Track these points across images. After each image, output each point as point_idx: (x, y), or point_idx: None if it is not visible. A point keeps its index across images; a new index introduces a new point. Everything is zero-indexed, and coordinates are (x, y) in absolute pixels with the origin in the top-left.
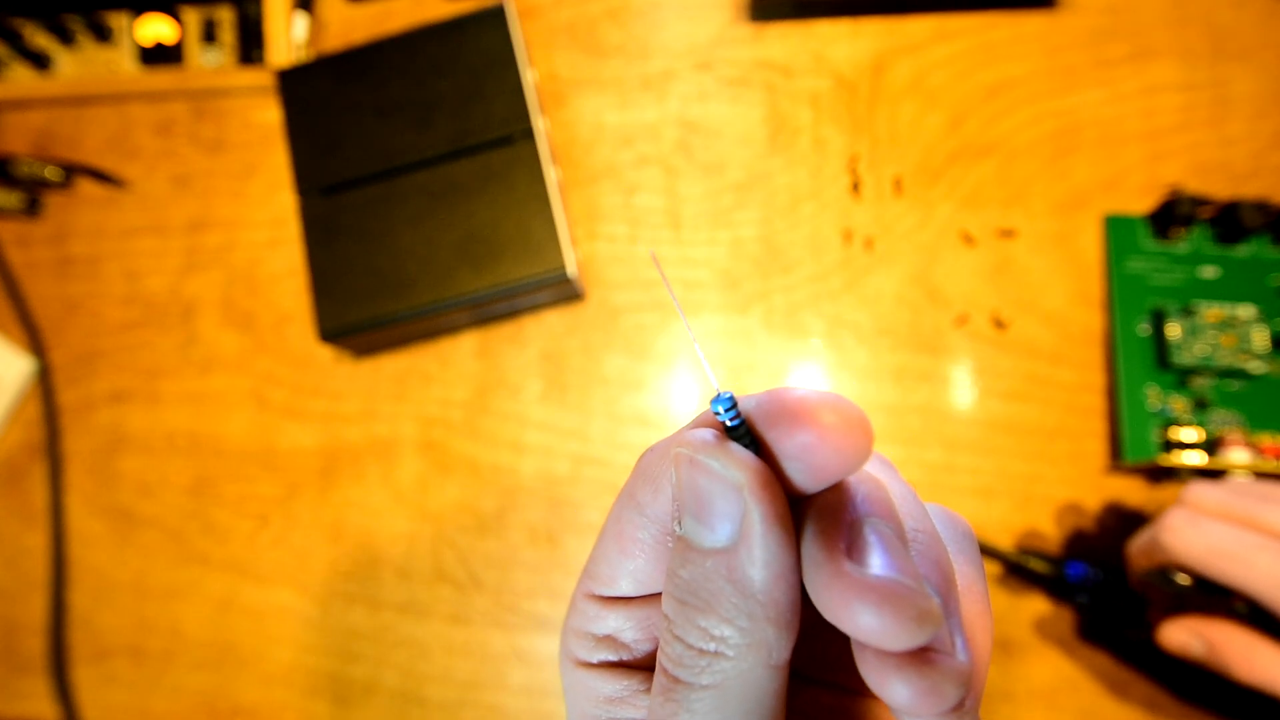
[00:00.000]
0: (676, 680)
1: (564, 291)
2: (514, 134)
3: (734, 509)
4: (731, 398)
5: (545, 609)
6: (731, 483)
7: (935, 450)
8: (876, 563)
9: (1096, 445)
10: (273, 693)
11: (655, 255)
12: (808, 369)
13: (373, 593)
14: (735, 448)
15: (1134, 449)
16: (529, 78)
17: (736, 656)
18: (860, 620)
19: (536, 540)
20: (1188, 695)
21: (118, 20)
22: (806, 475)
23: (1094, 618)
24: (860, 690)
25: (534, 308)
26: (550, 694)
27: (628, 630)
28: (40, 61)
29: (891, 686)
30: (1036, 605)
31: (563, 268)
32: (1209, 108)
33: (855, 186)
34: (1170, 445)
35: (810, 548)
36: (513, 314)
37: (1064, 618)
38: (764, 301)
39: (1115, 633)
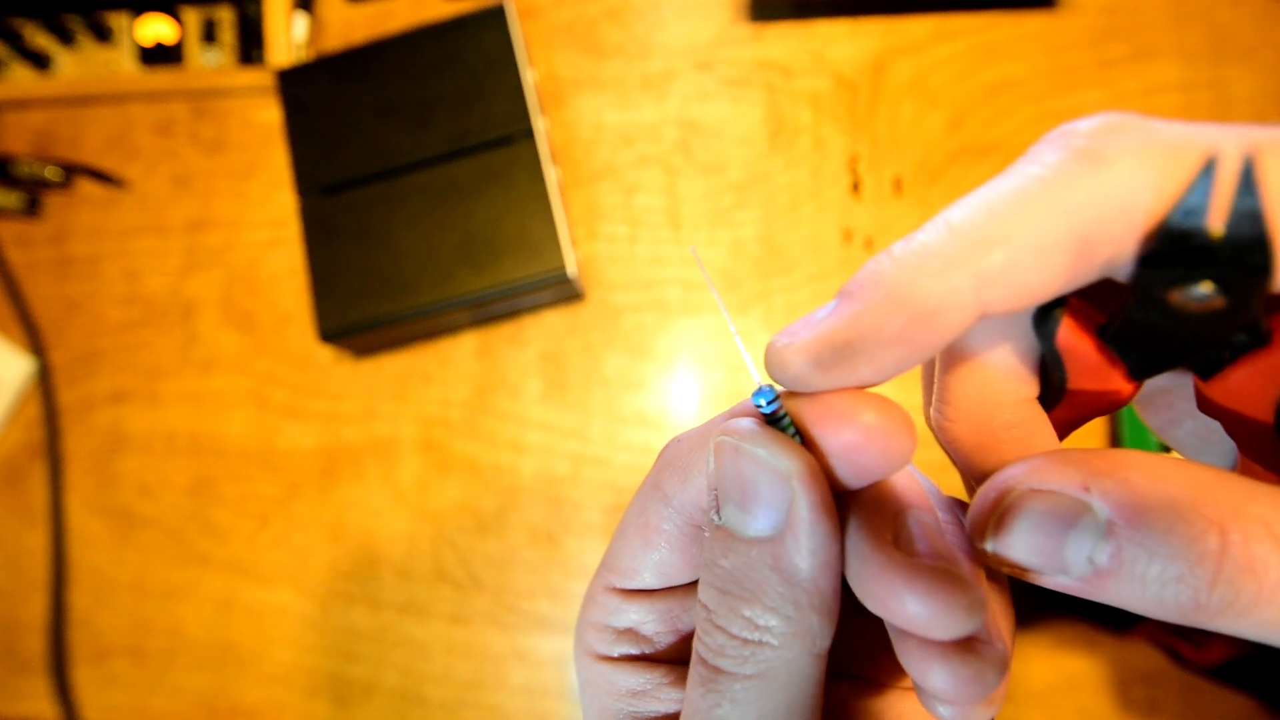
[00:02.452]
0: (718, 670)
1: (564, 291)
2: (514, 134)
3: (780, 498)
4: (773, 390)
5: (545, 609)
6: (779, 471)
7: (935, 450)
8: (922, 551)
9: (1097, 445)
10: (273, 693)
11: (695, 251)
12: None
13: (373, 593)
14: (782, 436)
15: (1134, 447)
16: (529, 78)
17: (781, 645)
18: (910, 609)
19: (536, 540)
20: (1188, 694)
21: (118, 20)
22: (850, 473)
23: (1093, 616)
24: (879, 682)
25: (534, 308)
26: (550, 694)
27: (649, 623)
28: (40, 61)
29: (934, 675)
30: (1036, 605)
31: (563, 268)
32: (1209, 108)
33: (855, 186)
34: (1168, 446)
35: (856, 539)
36: (513, 314)
37: (1064, 618)
38: (764, 301)
39: (1114, 632)
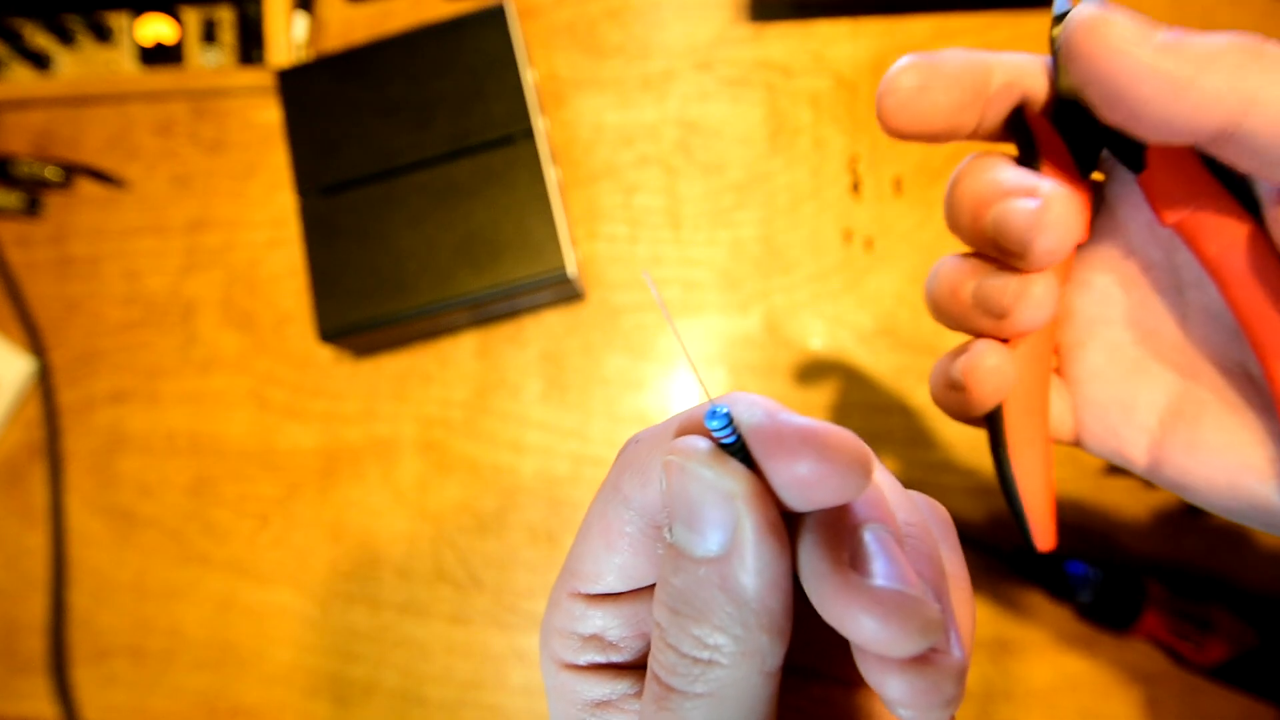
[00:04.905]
0: (670, 689)
1: (564, 291)
2: (514, 134)
3: (726, 518)
4: (728, 414)
5: (545, 609)
6: (723, 492)
7: (935, 450)
8: (880, 571)
9: None
10: (273, 693)
11: (649, 277)
12: (808, 369)
13: (373, 593)
14: (728, 459)
15: None
16: (529, 78)
17: (731, 665)
18: (866, 630)
19: (536, 540)
20: (1188, 694)
21: (118, 20)
22: (799, 501)
23: (1093, 616)
24: (848, 680)
25: (534, 308)
26: None
27: (614, 628)
28: (40, 61)
29: (891, 685)
30: (1036, 605)
31: (563, 268)
32: None
33: (855, 186)
34: None
35: (811, 558)
36: (513, 314)
37: (1064, 617)
38: (764, 301)
39: (1114, 632)
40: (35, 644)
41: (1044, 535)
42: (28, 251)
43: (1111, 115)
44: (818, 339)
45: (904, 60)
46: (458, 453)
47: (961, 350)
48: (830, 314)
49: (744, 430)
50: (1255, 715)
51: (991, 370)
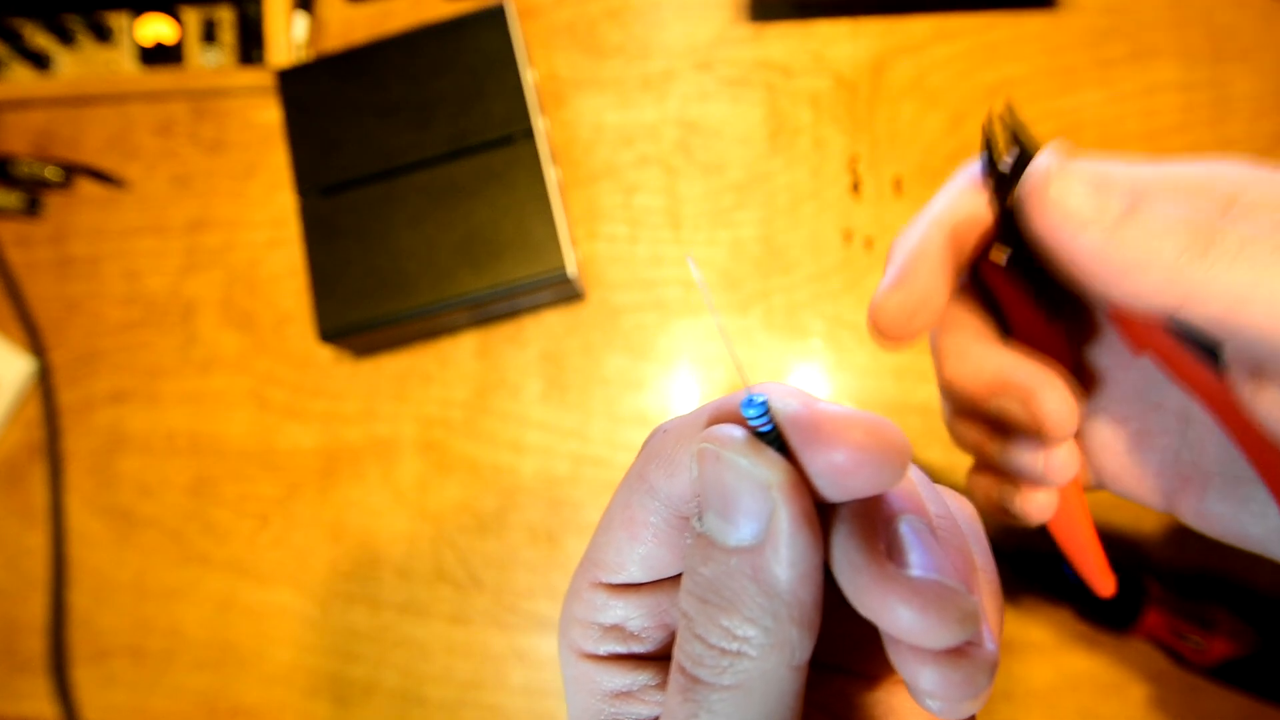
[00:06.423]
0: (696, 680)
1: (564, 291)
2: (514, 134)
3: (761, 507)
4: (764, 403)
5: (545, 609)
6: (760, 481)
7: (935, 450)
8: (917, 561)
9: None
10: (273, 693)
11: (692, 261)
12: (808, 369)
13: (373, 593)
14: (765, 448)
15: None
16: (529, 78)
17: (759, 657)
18: (903, 621)
19: (536, 540)
20: (1187, 694)
21: (118, 20)
22: (835, 490)
23: (1093, 616)
24: (868, 674)
25: (534, 308)
26: (550, 694)
27: (636, 619)
28: (40, 61)
29: (924, 676)
30: (1036, 605)
31: (563, 268)
32: (1209, 108)
33: (855, 186)
34: None
35: (847, 549)
36: (513, 314)
37: (1064, 617)
38: (764, 301)
39: (1114, 632)
40: (35, 644)
41: (1102, 583)
42: (28, 251)
43: (1063, 278)
44: (818, 339)
45: (881, 291)
46: (458, 453)
47: (1008, 483)
48: (830, 314)
49: (781, 418)
50: (1255, 715)
51: (1043, 508)
